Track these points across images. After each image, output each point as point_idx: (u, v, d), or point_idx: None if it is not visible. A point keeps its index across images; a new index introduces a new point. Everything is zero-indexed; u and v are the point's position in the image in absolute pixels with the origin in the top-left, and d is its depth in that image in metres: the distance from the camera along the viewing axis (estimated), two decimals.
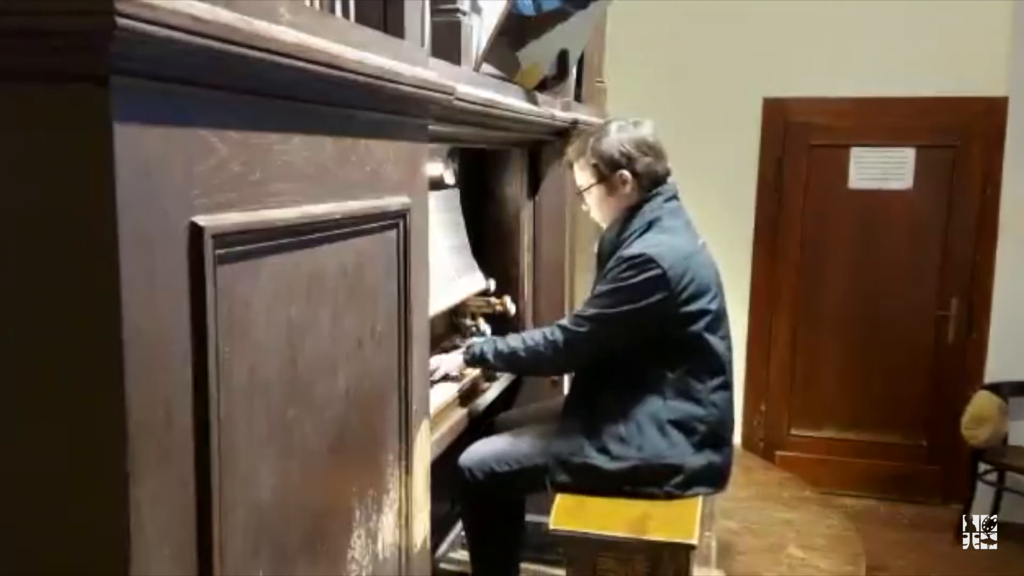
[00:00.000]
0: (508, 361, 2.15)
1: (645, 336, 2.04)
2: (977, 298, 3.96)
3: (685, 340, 2.04)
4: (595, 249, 2.35)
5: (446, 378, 2.15)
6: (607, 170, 2.15)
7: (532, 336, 2.12)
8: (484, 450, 2.21)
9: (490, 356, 2.13)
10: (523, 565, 2.45)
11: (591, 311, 2.06)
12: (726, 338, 2.14)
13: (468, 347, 2.19)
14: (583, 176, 2.21)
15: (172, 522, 0.82)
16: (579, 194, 2.26)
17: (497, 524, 2.26)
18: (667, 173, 2.19)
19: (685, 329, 2.03)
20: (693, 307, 2.02)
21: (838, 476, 4.18)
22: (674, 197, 2.16)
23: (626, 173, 2.13)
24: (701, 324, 2.04)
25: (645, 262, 1.99)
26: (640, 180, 2.14)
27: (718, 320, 2.09)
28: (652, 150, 2.16)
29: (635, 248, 2.03)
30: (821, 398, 4.27)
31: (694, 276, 2.02)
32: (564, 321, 2.11)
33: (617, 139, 2.15)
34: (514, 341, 2.13)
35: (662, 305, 1.99)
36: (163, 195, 0.78)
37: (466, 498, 2.24)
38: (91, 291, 0.73)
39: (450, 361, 2.17)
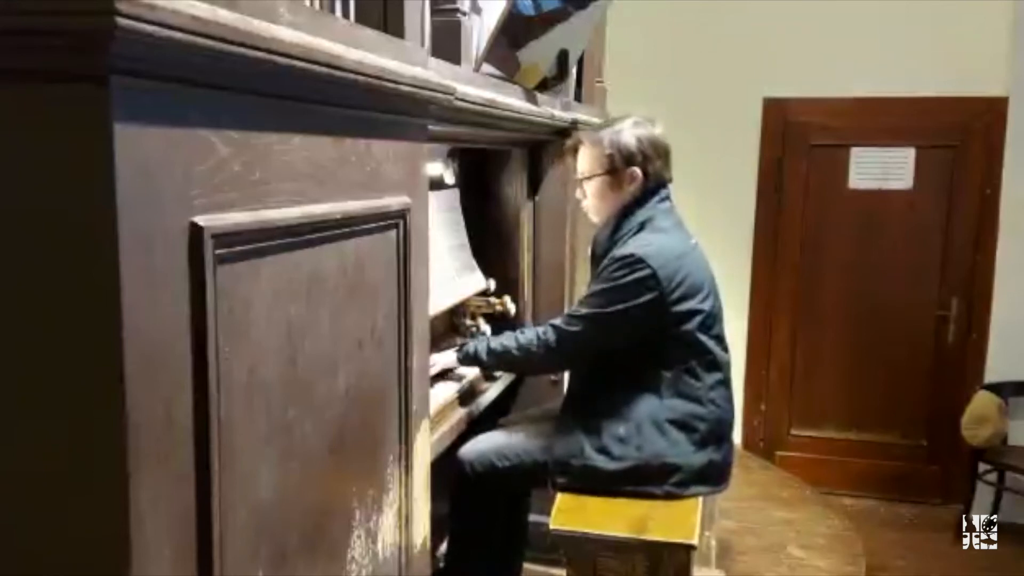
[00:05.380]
0: (501, 359, 2.15)
1: (638, 335, 2.04)
2: (977, 298, 3.96)
3: (679, 339, 2.04)
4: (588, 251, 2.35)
5: (445, 376, 2.15)
6: (621, 163, 2.14)
7: (525, 335, 2.12)
8: (485, 444, 2.21)
9: (483, 355, 2.14)
10: (524, 565, 2.45)
11: (583, 311, 2.06)
12: (720, 337, 2.14)
13: (462, 346, 2.19)
14: (591, 164, 2.18)
15: (172, 522, 0.82)
16: (580, 182, 2.24)
17: (495, 521, 2.25)
18: (670, 180, 2.19)
19: (678, 328, 2.04)
20: (685, 306, 2.03)
21: (838, 476, 4.18)
22: (667, 198, 2.17)
23: (637, 171, 2.13)
24: (694, 323, 2.05)
25: (635, 262, 2.00)
26: (647, 181, 2.14)
27: (711, 319, 2.09)
28: (666, 154, 2.17)
29: (627, 248, 2.04)
30: (821, 398, 4.27)
31: (685, 276, 2.03)
32: (557, 321, 2.11)
33: (636, 134, 2.15)
34: (507, 340, 2.13)
35: (653, 305, 1.99)
36: (163, 195, 0.78)
37: (464, 492, 2.22)
38: (91, 291, 0.73)
39: (444, 358, 2.17)
